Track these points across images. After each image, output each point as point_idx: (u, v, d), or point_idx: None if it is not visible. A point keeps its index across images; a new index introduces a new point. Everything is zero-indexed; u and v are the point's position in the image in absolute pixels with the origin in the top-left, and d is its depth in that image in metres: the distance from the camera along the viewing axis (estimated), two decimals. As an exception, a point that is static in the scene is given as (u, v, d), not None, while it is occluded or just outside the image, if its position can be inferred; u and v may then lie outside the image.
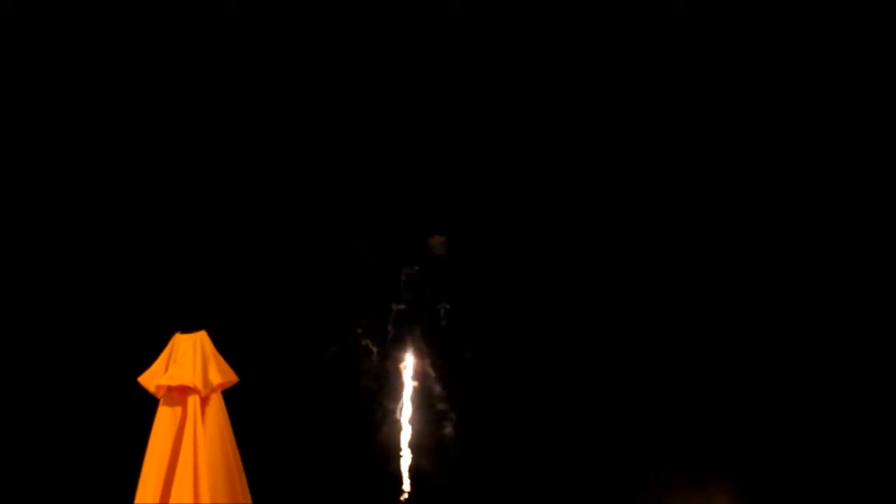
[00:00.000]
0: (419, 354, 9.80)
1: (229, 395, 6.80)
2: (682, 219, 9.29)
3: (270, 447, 8.72)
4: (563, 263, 9.45)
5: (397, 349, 9.83)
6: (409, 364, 9.79)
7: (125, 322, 8.70)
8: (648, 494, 9.12)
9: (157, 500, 6.44)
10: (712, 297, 9.21)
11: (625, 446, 9.23)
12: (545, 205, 9.51)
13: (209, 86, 9.13)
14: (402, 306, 9.87)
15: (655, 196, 9.32)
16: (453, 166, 9.47)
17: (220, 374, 6.70)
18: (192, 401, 6.59)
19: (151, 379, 6.65)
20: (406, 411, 9.65)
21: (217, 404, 6.70)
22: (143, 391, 6.67)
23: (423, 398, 9.75)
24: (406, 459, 9.53)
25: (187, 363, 6.61)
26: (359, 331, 9.78)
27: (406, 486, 9.47)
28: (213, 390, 6.66)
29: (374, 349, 9.80)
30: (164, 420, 6.59)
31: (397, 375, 9.79)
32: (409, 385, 9.75)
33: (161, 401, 6.64)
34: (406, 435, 9.58)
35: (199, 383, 6.58)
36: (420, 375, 9.78)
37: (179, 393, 6.61)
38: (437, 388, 9.76)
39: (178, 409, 6.59)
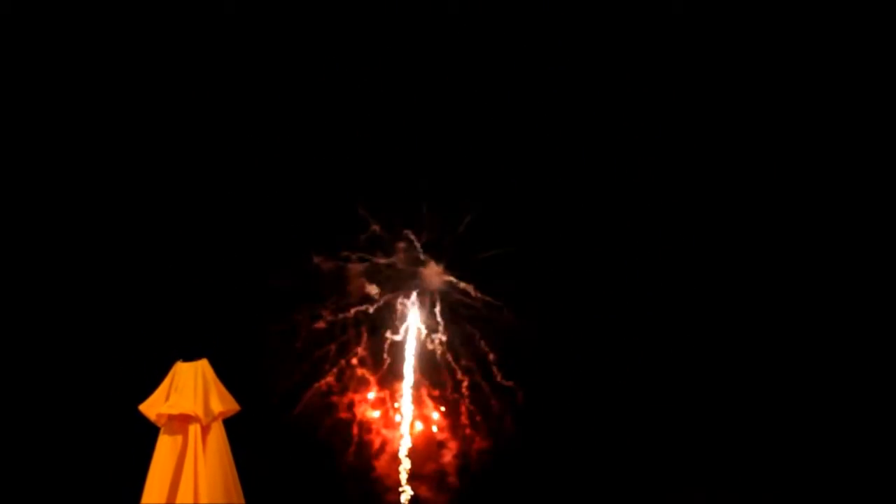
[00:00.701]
0: (415, 384, 9.79)
1: (230, 423, 6.76)
2: (681, 219, 9.35)
3: (272, 477, 8.67)
4: (562, 268, 9.50)
5: (392, 378, 9.82)
6: (405, 393, 9.78)
7: (126, 350, 8.68)
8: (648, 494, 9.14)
9: (158, 532, 6.38)
10: (712, 297, 9.26)
11: (627, 454, 9.26)
12: (545, 205, 9.55)
13: (213, 127, 9.20)
14: (397, 336, 9.87)
15: (655, 196, 9.38)
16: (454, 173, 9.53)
17: (222, 402, 6.63)
18: (193, 429, 6.52)
19: (152, 407, 6.58)
20: (405, 443, 9.63)
21: (218, 433, 6.64)
22: (143, 419, 6.61)
23: (421, 427, 9.73)
24: (406, 494, 9.52)
25: (188, 392, 6.54)
26: (353, 361, 9.77)
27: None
28: (215, 419, 6.59)
29: (371, 378, 9.79)
30: (165, 449, 6.52)
31: (394, 403, 9.78)
32: (407, 415, 9.72)
33: (162, 429, 6.57)
34: (406, 466, 9.56)
35: (200, 412, 6.51)
36: (416, 403, 9.76)
37: (180, 421, 6.54)
38: (435, 417, 9.74)
39: (179, 437, 6.52)
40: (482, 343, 9.70)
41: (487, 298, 9.68)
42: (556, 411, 9.41)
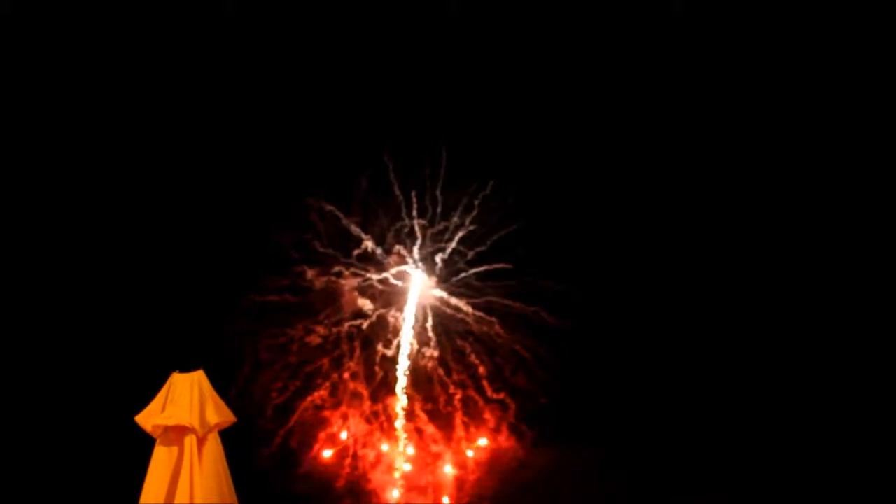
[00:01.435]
0: (409, 397, 9.80)
1: (226, 435, 6.77)
2: (681, 219, 9.41)
3: (267, 489, 8.67)
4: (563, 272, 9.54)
5: (385, 391, 9.83)
6: (398, 406, 9.79)
7: (122, 361, 8.69)
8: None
9: (153, 543, 6.37)
10: (712, 299, 9.30)
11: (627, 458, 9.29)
12: (538, 222, 9.60)
13: (210, 137, 9.24)
14: (388, 351, 9.89)
15: (655, 196, 9.44)
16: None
17: (218, 413, 6.63)
18: (189, 441, 6.51)
19: (148, 418, 6.57)
20: (399, 456, 9.64)
21: (214, 444, 6.64)
22: (139, 431, 6.62)
23: (415, 439, 9.74)
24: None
25: (184, 403, 6.54)
26: (346, 375, 9.78)
27: None
28: (211, 430, 6.59)
29: (364, 392, 9.80)
30: (161, 460, 6.51)
31: (387, 416, 9.79)
32: (401, 429, 9.74)
33: (158, 440, 6.58)
34: (399, 479, 9.57)
35: (196, 423, 6.51)
36: (409, 417, 9.77)
37: (176, 433, 6.53)
38: (429, 429, 9.75)
39: (175, 449, 6.52)
40: (473, 356, 9.74)
41: (479, 313, 9.72)
42: (552, 422, 9.42)
